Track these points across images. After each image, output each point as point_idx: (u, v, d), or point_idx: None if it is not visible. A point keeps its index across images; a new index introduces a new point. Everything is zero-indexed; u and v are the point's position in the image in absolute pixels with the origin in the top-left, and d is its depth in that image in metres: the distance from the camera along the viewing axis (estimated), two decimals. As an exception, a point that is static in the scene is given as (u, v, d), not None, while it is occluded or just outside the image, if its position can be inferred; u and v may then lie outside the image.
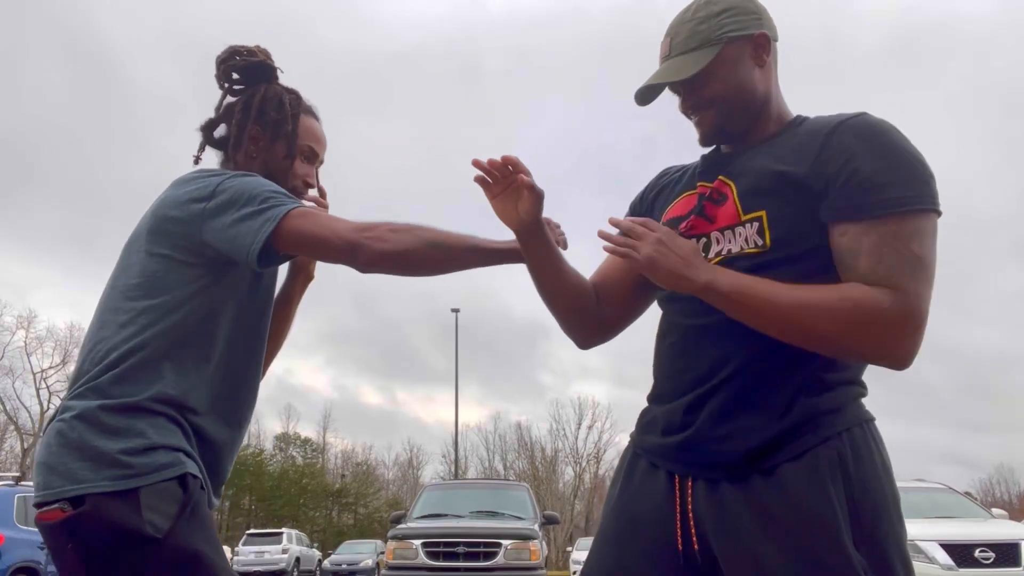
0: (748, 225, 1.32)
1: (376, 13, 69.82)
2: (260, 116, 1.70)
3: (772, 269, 1.27)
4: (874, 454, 1.25)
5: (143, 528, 1.36)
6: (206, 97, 1.80)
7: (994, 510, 9.07)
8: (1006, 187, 63.39)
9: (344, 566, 26.22)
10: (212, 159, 1.76)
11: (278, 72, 1.76)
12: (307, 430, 55.00)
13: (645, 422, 1.45)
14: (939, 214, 1.25)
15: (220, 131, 1.75)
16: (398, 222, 1.52)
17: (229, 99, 1.75)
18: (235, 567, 23.83)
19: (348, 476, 53.71)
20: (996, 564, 7.23)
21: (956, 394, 62.72)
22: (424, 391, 72.16)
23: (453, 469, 36.50)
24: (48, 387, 40.76)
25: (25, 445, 40.12)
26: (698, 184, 1.43)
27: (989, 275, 62.82)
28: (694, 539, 1.29)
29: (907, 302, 1.19)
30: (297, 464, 51.57)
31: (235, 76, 1.74)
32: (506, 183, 1.44)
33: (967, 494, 10.18)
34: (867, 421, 1.29)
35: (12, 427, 41.72)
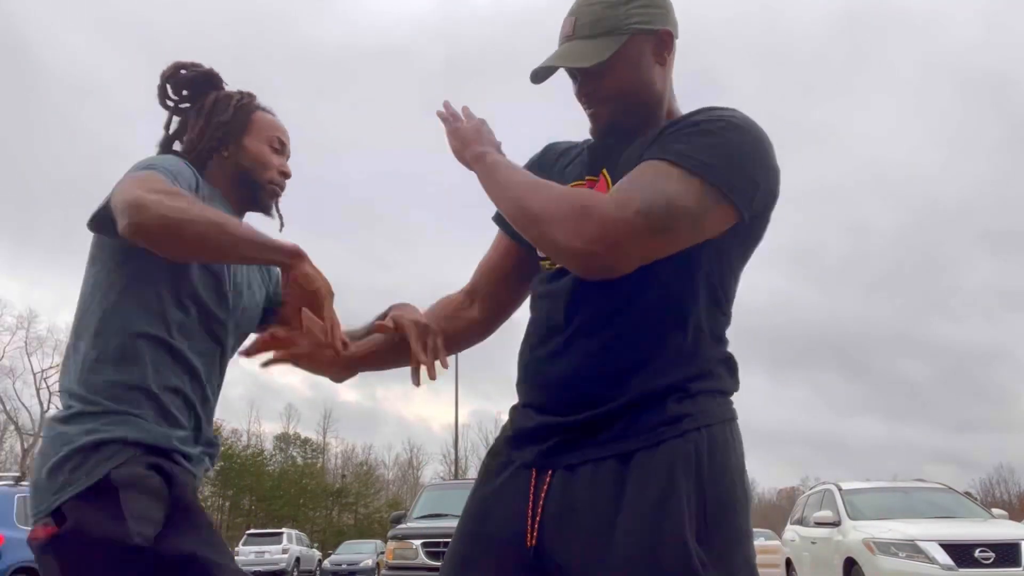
0: None
1: (357, 9, 69.69)
2: (216, 119, 1.70)
3: None
4: (731, 454, 1.23)
5: None
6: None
7: (994, 510, 9.09)
8: (972, 175, 63.10)
9: (344, 566, 26.21)
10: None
11: (223, 82, 1.76)
12: (307, 430, 54.99)
13: (514, 421, 1.40)
14: (716, 190, 1.20)
15: (178, 146, 1.75)
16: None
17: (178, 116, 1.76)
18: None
19: (348, 476, 53.75)
20: (996, 564, 7.24)
21: (949, 393, 62.70)
22: (401, 388, 71.90)
23: (453, 469, 36.50)
24: (48, 387, 40.74)
25: (25, 445, 40.11)
26: (586, 178, 1.41)
27: (963, 267, 62.66)
28: (536, 532, 1.25)
29: (614, 204, 1.18)
30: (297, 464, 51.59)
31: (184, 92, 1.74)
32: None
33: (967, 494, 10.19)
34: (728, 420, 1.28)
35: (12, 427, 41.75)
